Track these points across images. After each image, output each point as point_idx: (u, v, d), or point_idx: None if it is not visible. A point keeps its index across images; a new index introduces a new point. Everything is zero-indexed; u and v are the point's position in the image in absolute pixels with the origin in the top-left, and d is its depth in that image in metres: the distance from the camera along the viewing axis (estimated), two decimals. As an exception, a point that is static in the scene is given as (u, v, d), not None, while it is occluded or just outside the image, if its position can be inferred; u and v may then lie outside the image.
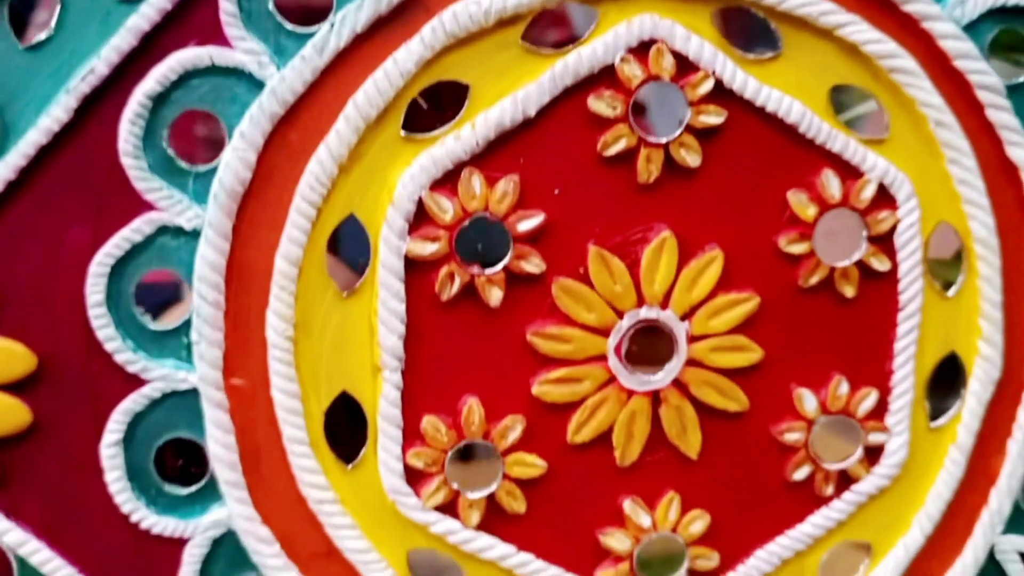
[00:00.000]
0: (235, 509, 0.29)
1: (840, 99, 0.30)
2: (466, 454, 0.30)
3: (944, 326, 0.31)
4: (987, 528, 0.32)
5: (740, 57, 0.29)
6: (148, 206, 0.27)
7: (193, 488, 0.29)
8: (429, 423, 0.29)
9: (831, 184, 0.29)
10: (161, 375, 0.28)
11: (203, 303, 0.28)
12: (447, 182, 0.28)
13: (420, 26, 0.28)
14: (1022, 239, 0.31)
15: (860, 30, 0.29)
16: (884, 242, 0.30)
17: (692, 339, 0.29)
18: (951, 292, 0.31)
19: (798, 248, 0.30)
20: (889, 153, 0.30)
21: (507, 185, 0.28)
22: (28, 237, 0.27)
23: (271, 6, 0.27)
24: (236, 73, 0.27)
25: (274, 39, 0.27)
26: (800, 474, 0.31)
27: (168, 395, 0.28)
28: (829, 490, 0.31)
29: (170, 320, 0.29)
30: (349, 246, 0.29)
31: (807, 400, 0.31)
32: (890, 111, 0.30)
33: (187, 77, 0.27)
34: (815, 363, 0.30)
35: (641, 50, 0.28)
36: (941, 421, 0.31)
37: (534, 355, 0.29)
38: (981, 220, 0.30)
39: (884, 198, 0.30)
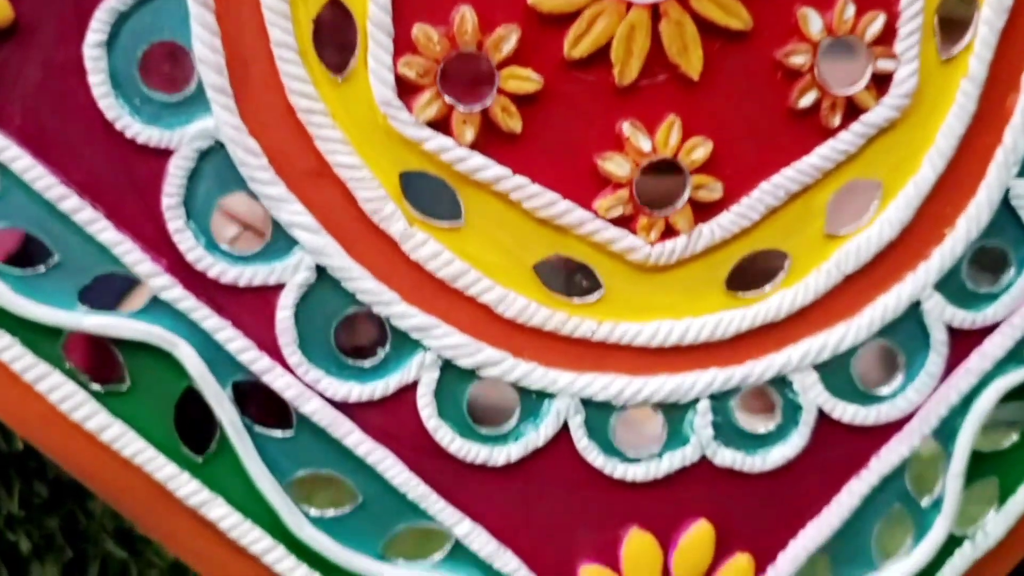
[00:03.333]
0: (222, 117, 0.28)
1: None
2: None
3: (957, -54, 0.30)
4: (1002, 168, 0.31)
5: None
6: None
7: (179, 95, 0.28)
8: (421, 31, 0.28)
9: None
10: (145, -31, 0.27)
11: None
12: None
13: None
14: None
15: None
16: None
17: (694, -55, 0.29)
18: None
19: None
20: None
21: None
22: None
23: None
24: None
25: None
26: (806, 100, 0.30)
27: (153, -7, 0.28)
28: (836, 120, 0.30)
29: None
30: None
31: (812, 20, 0.29)
32: None
33: None
34: (821, -19, 0.29)
35: None
36: (952, 50, 0.30)
37: (528, -41, 0.28)
38: None
39: None
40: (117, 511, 0.38)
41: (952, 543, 0.33)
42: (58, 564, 0.40)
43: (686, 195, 0.30)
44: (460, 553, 0.31)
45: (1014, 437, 0.33)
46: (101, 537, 0.41)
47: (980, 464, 0.33)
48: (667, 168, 0.30)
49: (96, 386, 0.29)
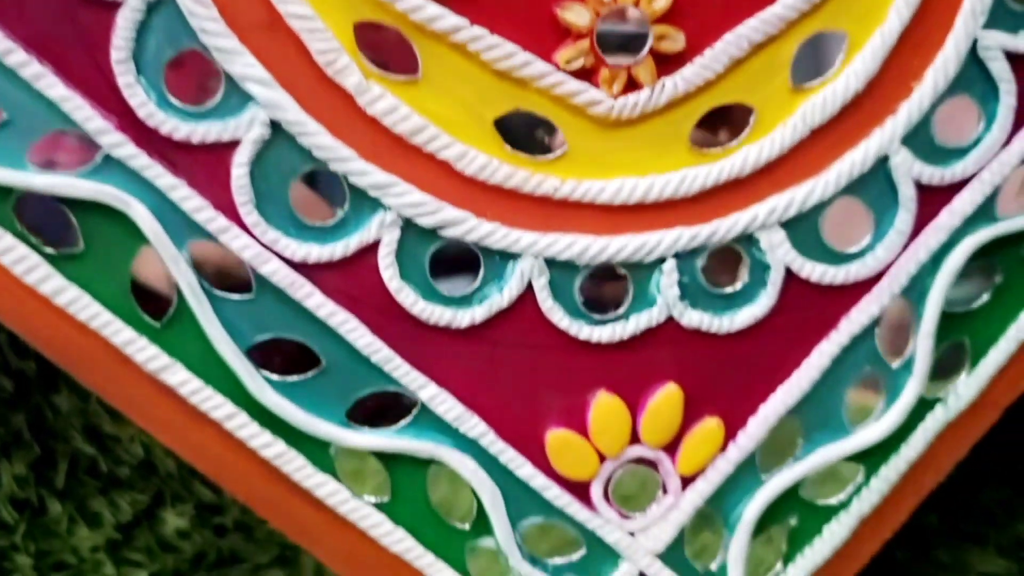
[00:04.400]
0: (169, -34, 0.27)
1: None
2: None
3: None
4: (969, 18, 0.30)
5: None
6: None
7: (126, -54, 0.28)
8: None
9: None
10: None
11: None
12: None
13: None
14: None
15: None
16: None
17: None
18: None
19: None
20: None
21: None
22: None
23: None
24: None
25: None
26: (770, -53, 0.29)
27: None
28: (801, -31, 0.29)
29: None
30: None
31: None
32: None
33: None
34: None
35: None
36: None
37: None
38: None
39: None
40: (92, 410, 0.39)
41: (924, 406, 0.33)
42: (25, 461, 0.40)
43: (648, 45, 0.29)
44: (425, 417, 0.30)
45: (985, 297, 0.33)
46: (69, 434, 0.40)
47: (952, 324, 0.32)
48: (628, 33, 0.30)
49: (49, 249, 0.28)
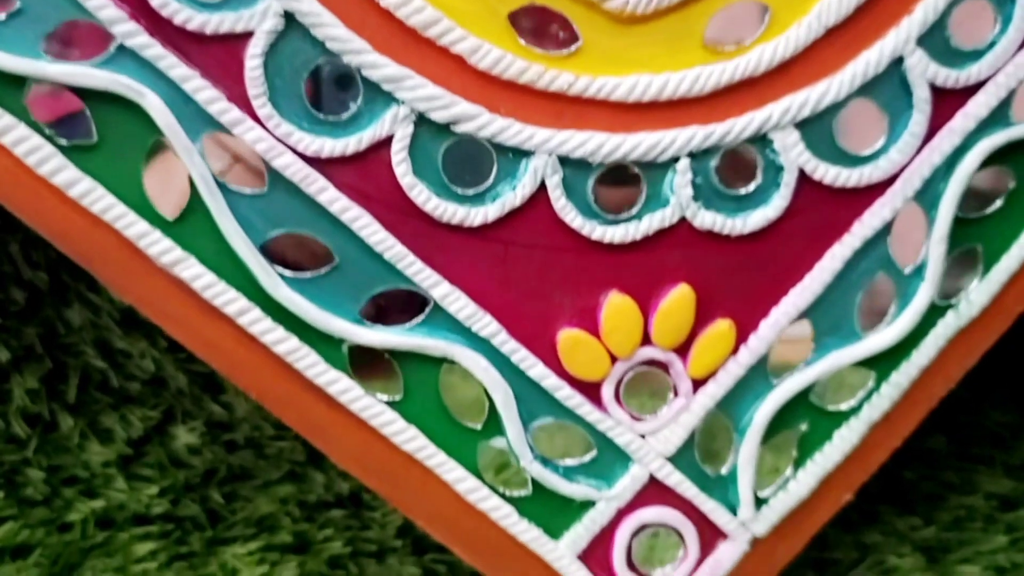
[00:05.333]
0: None
1: None
2: None
3: None
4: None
5: None
6: None
7: None
8: None
9: None
10: None
11: None
12: None
13: None
14: None
15: None
16: None
17: None
18: None
19: None
20: None
21: None
22: None
23: None
24: None
25: None
26: None
27: None
28: None
29: None
30: None
31: None
32: None
33: None
34: None
35: None
36: None
37: None
38: None
39: None
40: (105, 324, 0.39)
41: (935, 312, 0.33)
42: (37, 375, 0.40)
43: (664, -62, 0.29)
44: (438, 316, 0.31)
45: (998, 203, 0.33)
46: (81, 348, 0.40)
47: (965, 230, 0.32)
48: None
49: (63, 140, 0.28)
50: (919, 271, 0.32)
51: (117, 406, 0.40)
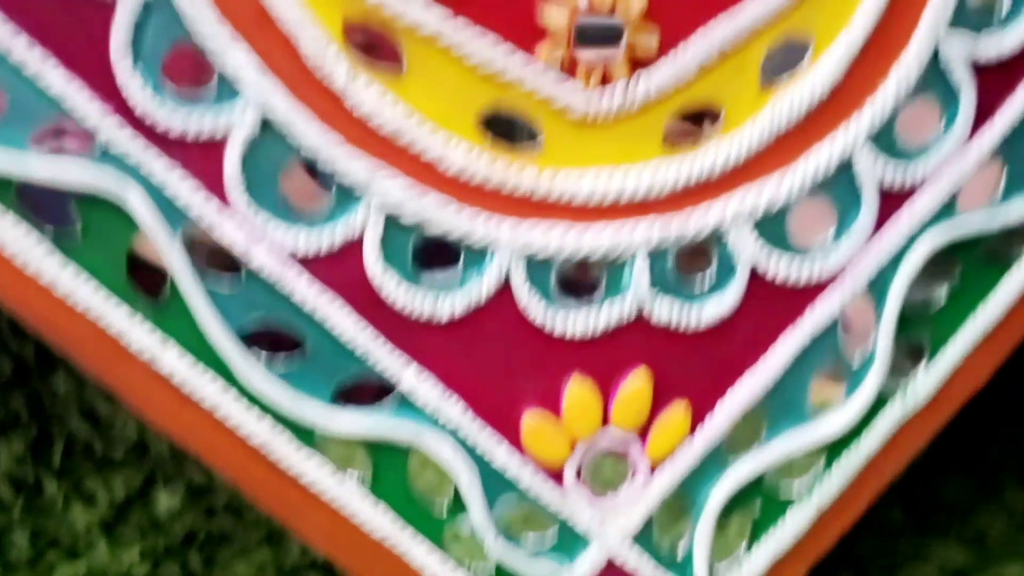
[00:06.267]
0: (167, -32, 0.29)
1: None
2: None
3: None
4: (931, 25, 0.31)
5: None
6: None
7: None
8: None
9: None
10: None
11: None
12: None
13: None
14: None
15: None
16: None
17: None
18: None
19: None
20: None
21: None
22: None
23: None
24: None
25: None
26: (740, -43, 0.31)
27: None
28: (770, -23, 0.31)
29: None
30: None
31: None
32: None
33: None
34: None
35: None
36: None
37: None
38: None
39: None
40: (88, 392, 0.40)
41: (883, 399, 0.34)
42: (23, 441, 0.41)
43: (623, 45, 0.31)
44: (407, 400, 0.32)
45: (943, 295, 0.34)
46: (66, 415, 0.42)
47: (911, 320, 0.34)
48: (605, 27, 0.31)
49: (49, 228, 0.30)
50: (868, 361, 0.34)
51: (100, 470, 0.42)
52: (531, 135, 0.31)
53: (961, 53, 0.32)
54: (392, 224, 0.31)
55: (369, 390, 0.32)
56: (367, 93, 0.30)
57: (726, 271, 0.32)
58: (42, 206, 0.30)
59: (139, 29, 0.29)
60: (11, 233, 0.29)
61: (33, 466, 0.41)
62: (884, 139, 0.32)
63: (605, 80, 0.30)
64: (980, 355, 0.35)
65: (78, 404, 0.41)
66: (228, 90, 0.29)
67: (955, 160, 0.33)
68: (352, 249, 0.31)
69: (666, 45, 0.31)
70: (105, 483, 0.41)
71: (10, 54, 0.28)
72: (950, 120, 0.33)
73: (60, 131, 0.30)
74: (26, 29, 0.29)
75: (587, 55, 0.30)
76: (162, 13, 0.29)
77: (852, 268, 0.33)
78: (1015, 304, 0.34)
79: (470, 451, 0.32)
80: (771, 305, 0.33)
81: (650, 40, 0.30)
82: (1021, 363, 0.36)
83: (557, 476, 0.33)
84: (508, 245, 0.31)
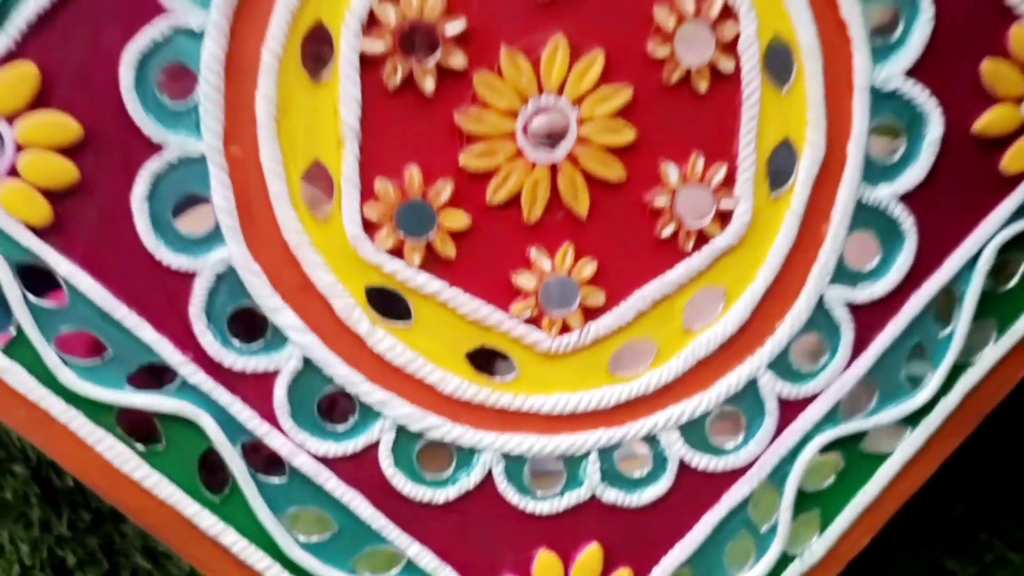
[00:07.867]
0: (234, 249, 0.38)
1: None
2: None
3: (779, 117, 0.40)
4: (818, 279, 0.41)
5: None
6: (165, 11, 0.36)
7: (203, 233, 0.38)
8: (380, 184, 0.38)
9: (687, 1, 0.38)
10: (177, 143, 0.37)
11: (208, 88, 0.37)
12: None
13: None
14: (839, 48, 0.39)
15: None
16: (730, 49, 0.39)
17: (581, 121, 0.38)
18: (784, 90, 0.40)
19: (662, 52, 0.38)
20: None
21: (436, -3, 0.37)
22: (76, 34, 0.36)
23: None
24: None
25: None
26: (667, 231, 0.40)
27: (183, 160, 0.37)
28: (690, 245, 0.40)
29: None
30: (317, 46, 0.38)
31: (671, 172, 0.39)
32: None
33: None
34: (678, 143, 0.39)
35: None
36: (779, 192, 0.40)
37: (460, 133, 0.38)
38: (806, 31, 0.39)
39: (730, 14, 0.39)
40: (150, 535, 0.49)
41: (785, 560, 0.43)
42: (97, 574, 0.50)
43: (577, 302, 0.40)
44: (412, 568, 0.41)
45: (832, 478, 0.43)
46: (131, 552, 0.51)
47: (807, 499, 0.43)
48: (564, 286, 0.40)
49: (140, 446, 0.39)
50: (772, 530, 0.43)
51: (160, 598, 0.51)
52: (506, 370, 0.41)
53: (840, 298, 0.41)
54: (402, 432, 0.40)
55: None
56: (384, 343, 0.39)
57: (660, 463, 0.42)
58: (136, 428, 0.39)
59: (211, 295, 0.38)
60: (113, 450, 0.39)
61: (104, 595, 0.50)
62: (781, 365, 0.42)
63: (564, 329, 0.40)
64: (865, 520, 0.44)
65: (141, 543, 0.50)
66: (279, 339, 0.39)
67: (838, 379, 0.42)
68: (371, 451, 0.40)
69: (611, 301, 0.40)
70: (163, 607, 0.50)
71: (113, 313, 0.38)
72: (833, 349, 0.42)
73: (149, 369, 0.39)
74: (124, 296, 0.38)
75: (550, 312, 0.40)
76: (229, 282, 0.38)
77: (759, 460, 0.42)
78: (890, 484, 0.43)
79: (462, 612, 0.42)
80: (696, 488, 0.42)
81: (598, 297, 0.40)
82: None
83: (529, 634, 0.43)
84: (491, 447, 0.40)
